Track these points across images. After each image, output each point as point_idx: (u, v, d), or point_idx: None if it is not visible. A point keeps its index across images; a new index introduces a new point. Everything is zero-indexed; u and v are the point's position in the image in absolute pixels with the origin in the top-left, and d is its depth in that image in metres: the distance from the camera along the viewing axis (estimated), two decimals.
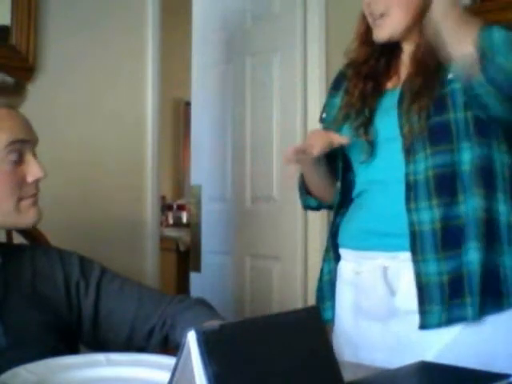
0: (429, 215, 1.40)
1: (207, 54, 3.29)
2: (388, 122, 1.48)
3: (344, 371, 0.82)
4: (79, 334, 1.39)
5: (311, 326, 0.84)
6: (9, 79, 1.38)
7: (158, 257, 2.72)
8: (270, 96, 2.95)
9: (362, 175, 1.54)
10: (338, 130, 1.54)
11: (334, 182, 1.60)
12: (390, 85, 1.54)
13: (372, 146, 1.49)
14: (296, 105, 2.83)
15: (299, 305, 2.74)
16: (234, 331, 0.76)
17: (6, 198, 1.28)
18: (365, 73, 1.54)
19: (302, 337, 0.81)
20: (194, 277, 3.37)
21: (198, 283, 3.31)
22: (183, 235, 4.52)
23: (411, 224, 1.41)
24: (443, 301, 1.39)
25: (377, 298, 1.46)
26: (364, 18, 1.54)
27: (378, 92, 1.52)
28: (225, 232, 3.18)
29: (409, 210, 1.42)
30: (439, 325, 1.39)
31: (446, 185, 1.40)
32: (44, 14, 2.33)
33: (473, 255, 1.38)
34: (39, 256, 1.40)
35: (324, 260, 1.62)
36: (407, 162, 1.44)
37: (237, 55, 3.12)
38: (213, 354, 0.70)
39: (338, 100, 1.61)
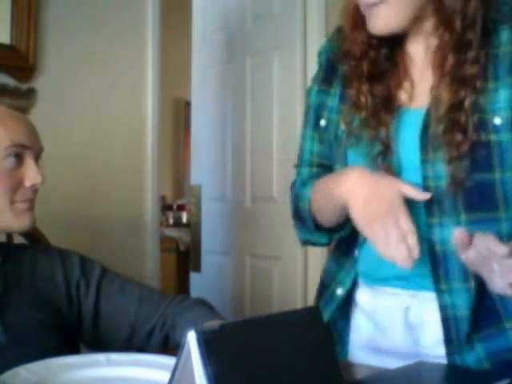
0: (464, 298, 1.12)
1: (207, 54, 3.29)
2: (409, 155, 1.14)
3: (344, 371, 0.82)
4: (79, 334, 1.39)
5: (311, 326, 0.84)
6: (21, 85, 1.39)
7: (158, 257, 2.72)
8: (269, 96, 2.95)
9: None
10: (344, 153, 1.22)
11: None
12: (404, 96, 1.18)
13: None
14: (296, 105, 2.83)
15: (299, 305, 2.74)
16: (233, 331, 0.76)
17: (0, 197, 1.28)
18: (366, 72, 1.19)
19: (301, 337, 0.81)
20: (193, 277, 3.37)
21: (198, 283, 3.31)
22: (183, 235, 4.53)
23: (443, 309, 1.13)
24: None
25: (397, 340, 1.21)
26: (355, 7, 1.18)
27: (393, 106, 1.17)
28: (225, 232, 3.18)
29: (439, 291, 1.14)
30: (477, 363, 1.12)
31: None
32: (44, 14, 2.33)
33: None
34: (39, 256, 1.40)
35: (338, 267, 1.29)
36: (430, 225, 1.13)
37: (237, 55, 3.12)
38: (213, 354, 0.70)
39: (335, 102, 1.27)
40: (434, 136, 1.11)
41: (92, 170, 2.46)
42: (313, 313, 0.87)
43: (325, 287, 1.32)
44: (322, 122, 1.29)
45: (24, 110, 1.34)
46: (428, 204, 1.12)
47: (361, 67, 1.19)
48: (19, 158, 1.30)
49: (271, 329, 0.79)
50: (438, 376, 1.08)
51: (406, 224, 1.04)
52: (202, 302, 1.39)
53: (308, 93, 1.36)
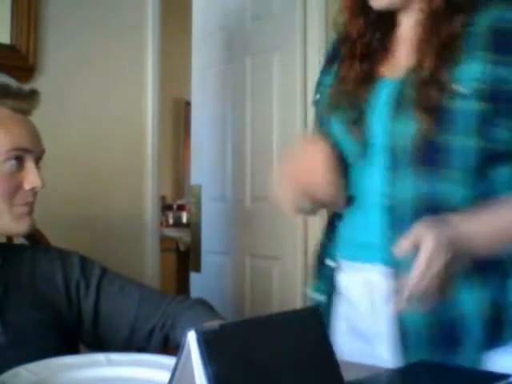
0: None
1: (207, 54, 3.29)
2: (380, 123, 1.23)
3: (344, 371, 0.82)
4: (79, 334, 1.39)
5: (311, 326, 0.84)
6: (24, 87, 1.39)
7: (158, 257, 2.72)
8: (269, 96, 2.95)
9: (352, 179, 1.29)
10: (328, 121, 1.31)
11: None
12: (386, 71, 1.27)
13: (364, 148, 1.25)
14: (296, 105, 2.83)
15: (299, 305, 2.74)
16: (233, 331, 0.76)
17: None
18: (359, 52, 1.28)
19: (302, 337, 0.81)
20: (193, 277, 3.37)
21: (198, 283, 3.31)
22: (183, 235, 4.52)
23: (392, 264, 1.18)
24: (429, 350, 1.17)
25: (363, 314, 1.27)
26: None
27: (373, 79, 1.26)
28: (225, 232, 3.18)
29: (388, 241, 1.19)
30: None
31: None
32: (44, 14, 2.33)
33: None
34: (39, 256, 1.40)
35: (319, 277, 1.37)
36: (387, 182, 1.22)
37: (237, 55, 3.12)
38: (213, 354, 0.70)
39: (330, 78, 1.36)
40: (405, 100, 1.19)
41: (92, 169, 2.46)
42: (313, 313, 0.87)
43: (319, 260, 1.38)
44: (317, 97, 1.40)
45: (26, 113, 1.34)
46: (391, 165, 1.21)
47: (355, 48, 1.29)
48: (20, 162, 1.29)
49: (271, 329, 0.79)
50: (437, 376, 1.08)
51: None
52: (201, 302, 1.40)
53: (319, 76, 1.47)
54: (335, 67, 1.35)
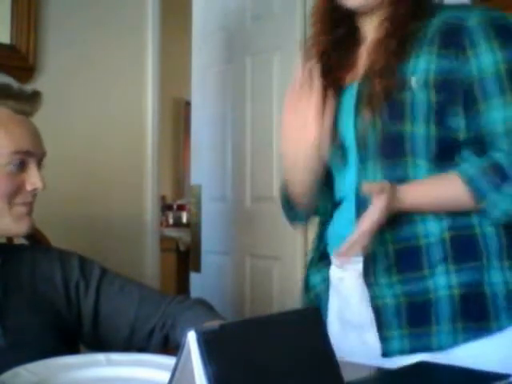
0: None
1: (207, 54, 3.29)
2: (347, 125, 1.33)
3: (344, 371, 0.82)
4: (79, 335, 1.39)
5: (311, 326, 0.84)
6: (26, 88, 1.38)
7: (158, 257, 2.72)
8: (269, 96, 2.95)
9: (338, 184, 1.39)
10: None
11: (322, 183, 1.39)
12: (348, 78, 1.36)
13: (341, 151, 1.34)
14: None
15: (299, 305, 2.73)
16: (233, 331, 0.76)
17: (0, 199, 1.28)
18: (322, 66, 1.33)
19: (302, 337, 0.82)
20: (193, 277, 3.37)
21: (198, 283, 3.31)
22: (183, 235, 4.52)
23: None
24: (401, 327, 1.25)
25: (354, 306, 1.33)
26: None
27: (339, 87, 1.35)
28: (225, 232, 3.18)
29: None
30: (401, 353, 1.25)
31: None
32: (44, 14, 2.33)
33: (440, 278, 1.24)
34: (39, 256, 1.40)
35: (313, 268, 1.45)
36: (358, 176, 1.31)
37: (237, 55, 3.12)
38: (213, 354, 0.70)
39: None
40: (363, 98, 1.29)
41: (92, 169, 2.46)
42: (313, 313, 0.87)
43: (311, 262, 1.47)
44: None
45: (28, 114, 1.33)
46: (360, 160, 1.30)
47: (320, 62, 1.34)
48: (22, 164, 1.29)
49: (271, 329, 0.79)
50: (437, 376, 1.08)
51: None
52: (202, 302, 1.40)
53: None
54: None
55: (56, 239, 1.70)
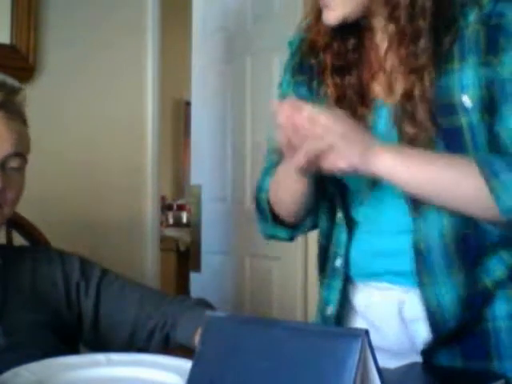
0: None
1: (207, 54, 3.29)
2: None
3: None
4: (79, 335, 1.39)
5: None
6: (8, 80, 1.33)
7: (157, 257, 2.72)
8: (269, 96, 2.94)
9: (364, 210, 1.20)
10: None
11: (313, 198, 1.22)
12: (378, 88, 1.16)
13: (371, 180, 1.13)
14: None
15: (299, 305, 2.74)
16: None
17: None
18: (331, 64, 1.17)
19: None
20: (193, 277, 3.37)
21: (198, 283, 3.31)
22: (183, 235, 4.52)
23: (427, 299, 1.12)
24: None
25: (392, 336, 1.18)
26: None
27: (368, 98, 1.15)
28: (225, 232, 3.18)
29: (422, 284, 1.12)
30: None
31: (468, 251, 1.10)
32: (44, 14, 2.33)
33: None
34: (39, 257, 1.39)
35: (325, 286, 1.26)
36: (414, 218, 1.12)
37: (237, 55, 3.12)
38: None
39: (303, 91, 1.24)
40: (407, 130, 1.09)
41: (92, 169, 2.46)
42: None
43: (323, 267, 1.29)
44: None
45: (7, 110, 1.26)
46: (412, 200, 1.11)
47: (325, 60, 1.18)
48: None
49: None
50: (436, 376, 1.08)
51: None
52: (202, 302, 1.40)
53: (280, 83, 1.33)
54: (305, 77, 1.25)
55: (56, 240, 1.70)
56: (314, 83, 1.22)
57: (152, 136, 2.68)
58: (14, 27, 2.23)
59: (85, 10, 2.46)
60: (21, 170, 1.30)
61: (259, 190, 1.29)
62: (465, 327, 1.11)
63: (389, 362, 1.05)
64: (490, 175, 1.01)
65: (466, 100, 1.06)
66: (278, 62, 2.92)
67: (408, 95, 1.09)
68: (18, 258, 1.37)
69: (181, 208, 5.14)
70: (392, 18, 1.10)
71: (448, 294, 1.10)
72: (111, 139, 2.53)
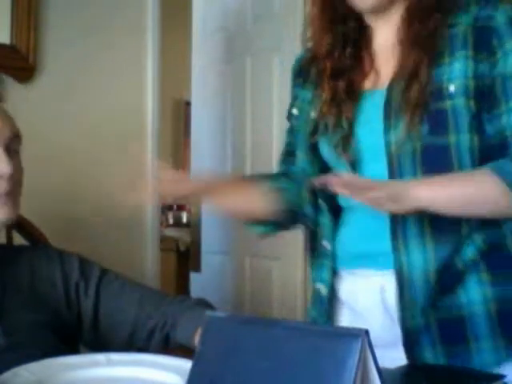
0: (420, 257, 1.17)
1: (207, 54, 3.29)
2: (372, 137, 1.22)
3: None
4: (79, 335, 1.39)
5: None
6: None
7: (157, 257, 2.72)
8: (269, 96, 2.95)
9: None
10: (316, 144, 1.30)
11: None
12: (368, 83, 1.26)
13: (355, 167, 1.23)
14: None
15: (299, 305, 2.74)
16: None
17: None
18: (331, 69, 1.27)
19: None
20: (194, 277, 3.37)
21: (198, 283, 3.31)
22: (183, 235, 4.53)
23: (399, 266, 1.18)
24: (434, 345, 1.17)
25: (376, 325, 1.21)
26: None
27: (353, 94, 1.25)
28: (225, 232, 3.18)
29: (396, 249, 1.19)
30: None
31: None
32: (44, 14, 2.33)
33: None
34: (38, 257, 1.39)
35: (316, 266, 1.33)
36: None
37: (237, 55, 3.12)
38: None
39: (309, 94, 1.34)
40: (396, 108, 1.19)
41: (92, 169, 2.45)
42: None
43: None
44: (294, 111, 1.40)
45: None
46: (391, 170, 1.19)
47: (326, 66, 1.29)
48: None
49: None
50: (436, 376, 1.08)
51: None
52: (202, 302, 1.40)
53: (291, 104, 1.46)
54: (310, 85, 1.34)
55: (55, 239, 1.70)
56: (312, 86, 1.34)
57: (152, 136, 2.67)
58: (14, 27, 2.23)
59: (85, 9, 2.46)
60: (19, 153, 1.31)
61: None
62: (435, 305, 1.16)
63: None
64: (508, 179, 1.11)
65: (452, 87, 1.16)
66: (277, 62, 2.93)
67: (411, 73, 1.18)
68: (17, 258, 1.37)
69: (181, 208, 5.15)
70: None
71: (419, 261, 1.16)
72: (111, 139, 2.53)
